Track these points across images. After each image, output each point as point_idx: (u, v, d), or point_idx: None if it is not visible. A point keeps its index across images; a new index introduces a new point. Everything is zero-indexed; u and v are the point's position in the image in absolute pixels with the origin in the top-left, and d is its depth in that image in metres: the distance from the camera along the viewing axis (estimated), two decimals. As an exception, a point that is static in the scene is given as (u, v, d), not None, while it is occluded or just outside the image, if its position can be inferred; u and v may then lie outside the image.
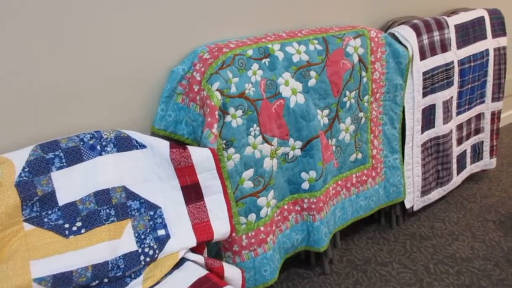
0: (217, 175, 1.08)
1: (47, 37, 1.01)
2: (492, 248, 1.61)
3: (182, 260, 1.03)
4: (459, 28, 1.75)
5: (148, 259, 1.00)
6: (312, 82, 1.33)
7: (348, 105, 1.45)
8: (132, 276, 0.97)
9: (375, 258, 1.60)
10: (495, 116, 2.00)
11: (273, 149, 1.27)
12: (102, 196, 0.99)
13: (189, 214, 1.06)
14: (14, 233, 0.89)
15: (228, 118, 1.16)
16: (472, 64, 1.82)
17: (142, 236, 1.01)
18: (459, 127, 1.88)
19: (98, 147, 1.01)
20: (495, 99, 1.97)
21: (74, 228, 0.95)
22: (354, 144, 1.52)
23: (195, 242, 1.04)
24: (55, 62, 1.04)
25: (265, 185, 1.26)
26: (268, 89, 1.24)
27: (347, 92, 1.43)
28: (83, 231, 0.95)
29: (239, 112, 1.18)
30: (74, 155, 0.98)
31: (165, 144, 1.05)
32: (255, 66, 1.22)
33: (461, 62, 1.77)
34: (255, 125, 1.21)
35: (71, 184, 0.97)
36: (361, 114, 1.51)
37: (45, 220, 0.93)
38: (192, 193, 1.07)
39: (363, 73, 1.47)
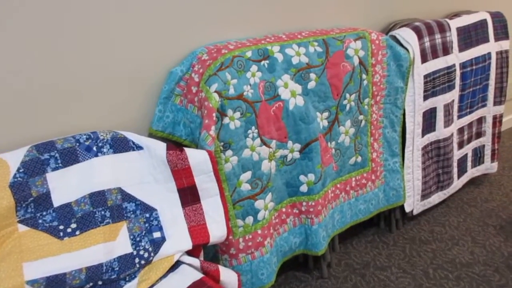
0: (214, 178, 1.07)
1: (45, 38, 1.00)
2: (492, 253, 1.60)
3: (178, 263, 1.02)
4: (461, 31, 1.74)
5: (143, 262, 0.99)
6: (311, 85, 1.32)
7: (348, 107, 1.44)
8: (127, 279, 0.97)
9: (374, 262, 1.59)
10: (497, 120, 1.99)
11: (271, 151, 1.26)
12: (98, 198, 0.98)
13: (185, 216, 1.06)
14: (8, 235, 0.89)
15: (226, 120, 1.15)
16: (474, 67, 1.80)
17: (138, 239, 1.00)
18: (460, 130, 1.86)
19: (94, 148, 1.00)
20: (497, 102, 1.96)
21: (69, 230, 0.94)
22: (354, 147, 1.51)
23: (191, 245, 1.03)
24: (52, 63, 1.03)
25: (263, 187, 1.25)
26: (267, 91, 1.23)
27: (347, 95, 1.42)
28: (77, 233, 0.95)
29: (237, 114, 1.17)
30: (69, 156, 0.97)
31: (162, 146, 1.05)
32: (254, 68, 1.21)
33: (463, 65, 1.76)
34: (253, 127, 1.20)
35: (66, 185, 0.96)
36: (361, 117, 1.50)
37: (40, 221, 0.92)
38: (189, 195, 1.06)
39: (364, 76, 1.46)
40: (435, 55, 1.64)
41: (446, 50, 1.68)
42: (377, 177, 1.60)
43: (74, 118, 1.10)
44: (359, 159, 1.53)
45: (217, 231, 1.07)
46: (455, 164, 1.86)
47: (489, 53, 1.85)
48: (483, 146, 2.01)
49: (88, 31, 1.06)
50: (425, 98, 1.64)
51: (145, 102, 1.21)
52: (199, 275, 0.98)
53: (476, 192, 2.04)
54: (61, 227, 0.93)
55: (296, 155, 1.33)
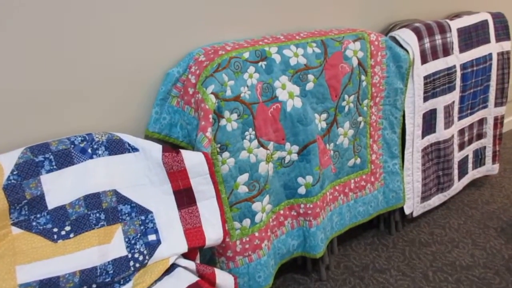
0: (210, 180, 1.06)
1: (40, 39, 1.00)
2: (493, 256, 1.58)
3: (173, 266, 1.01)
4: (462, 31, 1.72)
5: (137, 265, 0.98)
6: (309, 86, 1.31)
7: (346, 109, 1.43)
8: (121, 282, 0.96)
9: (373, 264, 1.58)
10: (498, 121, 1.97)
11: (269, 153, 1.25)
12: (92, 200, 0.97)
13: (181, 219, 1.05)
14: (2, 237, 0.88)
15: (223, 122, 1.14)
16: (474, 68, 1.79)
17: (133, 241, 0.99)
18: (461, 132, 1.85)
19: (89, 150, 1.00)
20: (498, 104, 1.94)
21: (63, 233, 0.93)
22: (353, 149, 1.50)
23: (186, 248, 1.02)
24: (47, 64, 1.02)
25: (260, 190, 1.24)
26: (264, 93, 1.22)
27: (346, 96, 1.41)
28: (72, 235, 0.94)
29: (234, 116, 1.16)
30: (64, 158, 0.97)
31: (158, 147, 1.04)
32: (251, 69, 1.20)
33: (464, 66, 1.74)
34: (250, 129, 1.19)
35: (60, 188, 0.95)
36: (360, 119, 1.49)
37: (34, 224, 0.91)
38: (185, 197, 1.05)
39: (363, 77, 1.44)
40: (435, 56, 1.62)
41: (447, 51, 1.66)
42: (376, 179, 1.59)
43: (70, 119, 1.09)
44: (358, 161, 1.52)
45: (213, 233, 1.06)
46: (455, 166, 1.85)
47: (490, 54, 1.84)
48: (484, 147, 2.00)
49: (84, 33, 1.06)
50: (425, 99, 1.62)
51: (141, 103, 1.20)
52: (194, 278, 0.97)
53: (477, 194, 2.02)
54: (55, 229, 0.93)
55: (294, 157, 1.32)
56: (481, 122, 1.95)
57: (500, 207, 1.90)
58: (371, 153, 1.56)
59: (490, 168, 2.04)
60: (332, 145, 1.42)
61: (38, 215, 0.92)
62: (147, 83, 1.19)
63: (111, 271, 0.95)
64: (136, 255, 0.98)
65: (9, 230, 0.89)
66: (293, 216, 1.37)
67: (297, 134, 1.29)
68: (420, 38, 1.58)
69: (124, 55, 1.13)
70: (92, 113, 1.12)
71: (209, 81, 1.12)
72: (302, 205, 1.35)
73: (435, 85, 1.64)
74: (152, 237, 1.01)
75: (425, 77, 1.60)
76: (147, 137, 1.21)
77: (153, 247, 1.00)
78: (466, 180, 1.95)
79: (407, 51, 1.55)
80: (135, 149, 1.04)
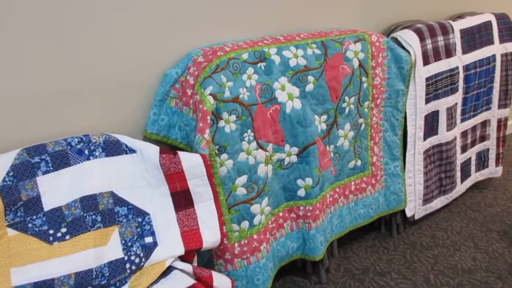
0: (208, 182, 1.05)
1: (38, 40, 0.99)
2: (495, 259, 1.57)
3: (170, 269, 1.01)
4: (465, 32, 1.70)
5: (134, 267, 0.97)
6: (309, 87, 1.30)
7: (347, 111, 1.42)
8: (117, 285, 0.95)
9: (374, 267, 1.56)
10: (502, 123, 1.95)
11: (268, 155, 1.24)
12: (89, 202, 0.97)
13: (178, 221, 1.04)
14: (-3, 239, 0.88)
15: (221, 123, 1.13)
16: (478, 69, 1.77)
17: (129, 244, 0.99)
18: (464, 134, 1.83)
19: (86, 152, 0.99)
20: (501, 106, 1.92)
21: (59, 234, 0.93)
22: (353, 151, 1.48)
23: (183, 250, 1.02)
24: (44, 65, 1.02)
25: (259, 192, 1.23)
26: (263, 94, 1.21)
27: (346, 98, 1.40)
28: (67, 237, 0.93)
29: (233, 117, 1.15)
30: (61, 160, 0.96)
31: (155, 149, 1.03)
32: (250, 70, 1.19)
33: (467, 68, 1.72)
34: (249, 131, 1.19)
35: (57, 189, 0.95)
36: (360, 120, 1.48)
37: (29, 225, 0.91)
38: (182, 199, 1.05)
39: (364, 78, 1.43)
40: (437, 58, 1.61)
41: (449, 52, 1.65)
42: (377, 181, 1.57)
43: (67, 120, 1.09)
44: (359, 163, 1.51)
45: (210, 236, 1.05)
46: (458, 168, 1.83)
47: (494, 55, 1.82)
48: (488, 150, 1.98)
49: (84, 33, 1.05)
50: (427, 101, 1.61)
51: (139, 104, 1.19)
52: (191, 281, 0.96)
53: (480, 197, 2.00)
54: (51, 231, 0.92)
55: (294, 158, 1.30)
56: (484, 124, 1.93)
57: (503, 210, 1.88)
58: (371, 155, 1.55)
59: (494, 170, 2.02)
60: (332, 147, 1.41)
61: (34, 217, 0.91)
62: (145, 84, 1.19)
63: (107, 274, 0.94)
64: (133, 258, 0.98)
65: (5, 231, 0.89)
66: (292, 219, 1.36)
67: (296, 135, 1.28)
68: (422, 39, 1.56)
69: (123, 56, 1.13)
70: (91, 114, 1.12)
71: (208, 82, 1.11)
72: (301, 208, 1.34)
73: (437, 87, 1.62)
74: (148, 239, 1.01)
75: (427, 79, 1.58)
76: (145, 138, 1.21)
77: (149, 249, 1.00)
78: (469, 182, 1.93)
79: (408, 52, 1.53)
80: (132, 151, 1.03)
